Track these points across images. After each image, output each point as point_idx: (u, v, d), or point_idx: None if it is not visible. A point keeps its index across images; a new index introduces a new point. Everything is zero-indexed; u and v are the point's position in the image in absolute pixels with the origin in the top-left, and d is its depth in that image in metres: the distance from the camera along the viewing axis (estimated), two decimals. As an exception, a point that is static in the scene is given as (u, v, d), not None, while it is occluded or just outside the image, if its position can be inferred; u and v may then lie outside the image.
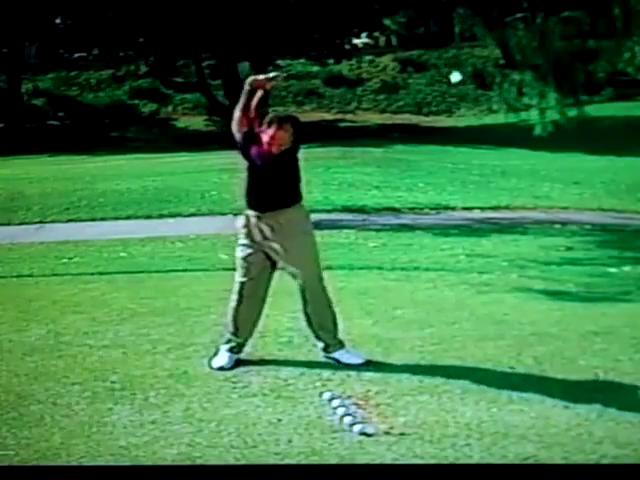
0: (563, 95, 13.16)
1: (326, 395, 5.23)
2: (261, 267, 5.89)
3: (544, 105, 13.53)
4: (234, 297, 5.93)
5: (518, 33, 13.52)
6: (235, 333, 5.93)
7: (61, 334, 6.70)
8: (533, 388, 5.43)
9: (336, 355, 5.91)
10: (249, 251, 5.87)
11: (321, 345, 5.98)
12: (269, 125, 5.73)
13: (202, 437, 4.73)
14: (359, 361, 5.86)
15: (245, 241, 5.90)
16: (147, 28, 30.10)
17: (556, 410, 5.08)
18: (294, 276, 5.95)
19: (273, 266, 5.95)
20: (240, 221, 5.95)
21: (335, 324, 5.97)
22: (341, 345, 5.96)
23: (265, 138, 5.75)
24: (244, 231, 5.90)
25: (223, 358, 5.87)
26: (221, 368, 5.78)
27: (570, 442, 4.63)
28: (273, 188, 5.81)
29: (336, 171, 17.79)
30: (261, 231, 5.83)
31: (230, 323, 5.95)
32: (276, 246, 5.83)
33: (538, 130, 13.41)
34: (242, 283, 5.90)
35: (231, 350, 5.91)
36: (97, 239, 11.93)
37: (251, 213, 5.86)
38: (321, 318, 5.94)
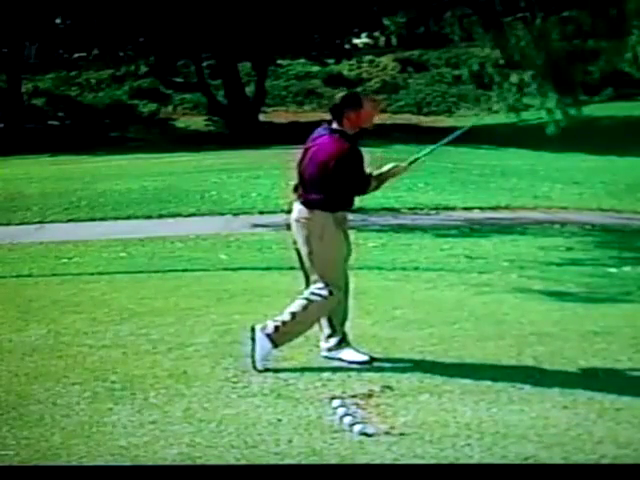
0: (562, 95, 13.16)
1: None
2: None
3: (544, 105, 13.53)
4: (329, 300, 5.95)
5: (517, 33, 13.52)
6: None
7: (61, 334, 6.70)
8: (533, 388, 5.43)
9: (342, 353, 5.94)
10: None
11: (333, 342, 5.99)
12: (364, 101, 5.94)
13: (202, 437, 4.73)
14: (364, 359, 5.89)
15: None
16: (147, 28, 30.08)
17: (556, 410, 5.08)
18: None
19: None
20: (329, 225, 5.95)
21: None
22: (348, 343, 6.01)
23: (368, 113, 5.93)
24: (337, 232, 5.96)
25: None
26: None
27: (570, 442, 4.63)
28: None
29: (336, 171, 17.75)
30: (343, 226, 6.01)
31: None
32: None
33: (551, 129, 13.40)
34: (336, 283, 5.98)
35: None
36: (97, 239, 11.93)
37: (338, 214, 5.96)
38: (345, 314, 6.05)
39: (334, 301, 5.95)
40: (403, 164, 6.14)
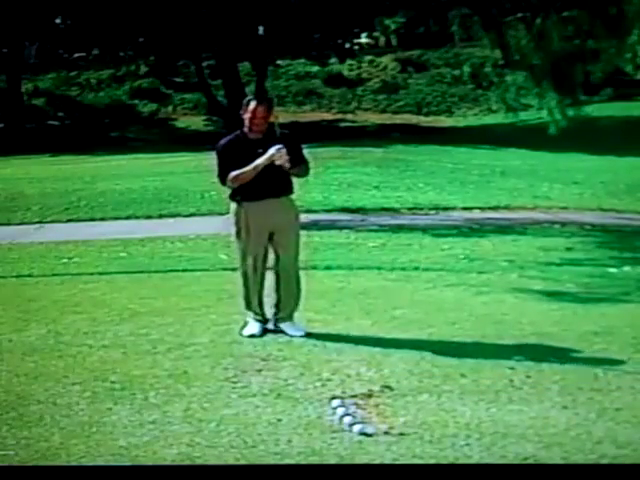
0: (562, 95, 13.15)
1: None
2: (257, 251, 6.62)
3: (544, 105, 13.52)
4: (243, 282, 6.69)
5: (517, 33, 13.51)
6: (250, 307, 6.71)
7: (61, 334, 6.71)
8: (532, 388, 5.43)
9: (283, 326, 6.63)
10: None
11: (276, 316, 6.67)
12: (247, 104, 6.55)
13: (202, 437, 4.74)
14: (299, 333, 6.52)
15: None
16: (147, 28, 30.10)
17: (555, 410, 5.08)
18: (277, 255, 6.67)
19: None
20: (233, 216, 6.69)
21: (298, 302, 6.72)
22: (291, 319, 6.67)
23: (247, 115, 6.52)
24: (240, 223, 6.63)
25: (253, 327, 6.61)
26: (252, 335, 6.51)
27: (569, 442, 4.64)
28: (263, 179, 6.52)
29: (336, 171, 17.78)
30: (256, 216, 6.56)
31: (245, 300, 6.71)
32: (270, 227, 6.61)
33: (552, 129, 13.38)
34: (246, 271, 6.65)
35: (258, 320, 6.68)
36: (97, 239, 11.92)
37: (246, 203, 6.59)
38: (290, 293, 6.67)
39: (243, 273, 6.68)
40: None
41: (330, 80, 37.75)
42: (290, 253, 6.68)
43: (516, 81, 13.52)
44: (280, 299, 6.71)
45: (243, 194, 6.59)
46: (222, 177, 6.62)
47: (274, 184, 6.56)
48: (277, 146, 6.45)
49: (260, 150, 6.48)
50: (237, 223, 6.64)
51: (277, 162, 6.42)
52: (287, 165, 6.45)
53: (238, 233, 6.64)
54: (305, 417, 5.00)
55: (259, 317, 6.69)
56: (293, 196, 6.80)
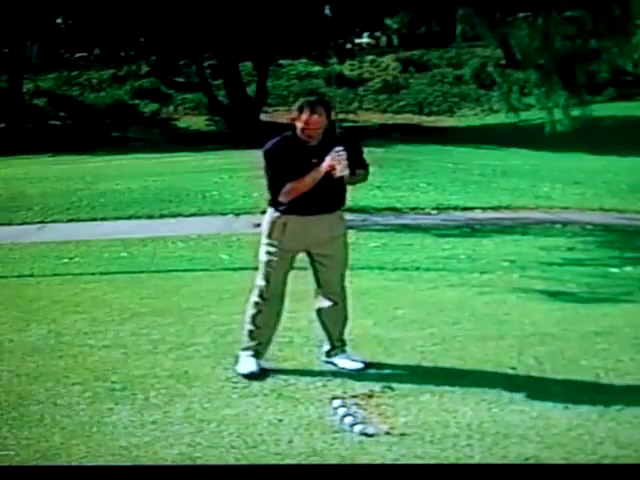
0: (567, 95, 13.17)
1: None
2: (283, 270, 5.75)
3: (546, 105, 13.54)
4: (255, 301, 5.78)
5: (520, 33, 13.52)
6: (256, 338, 5.79)
7: (62, 334, 6.70)
8: (534, 388, 5.42)
9: (336, 359, 5.85)
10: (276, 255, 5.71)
11: (326, 347, 5.91)
12: (300, 111, 5.55)
13: (202, 437, 4.73)
14: (357, 367, 5.78)
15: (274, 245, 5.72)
16: (148, 28, 30.11)
17: (557, 410, 5.07)
18: (320, 275, 5.80)
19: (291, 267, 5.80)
20: (267, 224, 5.78)
21: (345, 325, 5.94)
22: (343, 349, 5.91)
23: (300, 125, 5.55)
24: (273, 235, 5.71)
25: (250, 364, 5.70)
26: (252, 374, 5.61)
27: (571, 442, 4.63)
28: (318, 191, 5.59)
29: (337, 171, 17.77)
30: (299, 231, 5.68)
31: (250, 328, 5.80)
32: (310, 245, 5.73)
33: (547, 129, 13.42)
34: (264, 286, 5.73)
35: (254, 355, 5.75)
36: (98, 239, 11.93)
37: (286, 216, 5.67)
38: (337, 320, 5.89)
39: (259, 308, 5.76)
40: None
41: (331, 80, 37.72)
42: (338, 273, 5.85)
43: (519, 81, 13.55)
44: (328, 331, 5.88)
45: (293, 205, 5.62)
46: (276, 190, 5.65)
47: (329, 196, 5.65)
48: (337, 148, 5.44)
49: (315, 160, 5.52)
50: (272, 235, 5.69)
51: (336, 168, 5.43)
52: (346, 172, 5.45)
53: (271, 245, 5.69)
54: (306, 417, 4.99)
55: (256, 353, 5.77)
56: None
